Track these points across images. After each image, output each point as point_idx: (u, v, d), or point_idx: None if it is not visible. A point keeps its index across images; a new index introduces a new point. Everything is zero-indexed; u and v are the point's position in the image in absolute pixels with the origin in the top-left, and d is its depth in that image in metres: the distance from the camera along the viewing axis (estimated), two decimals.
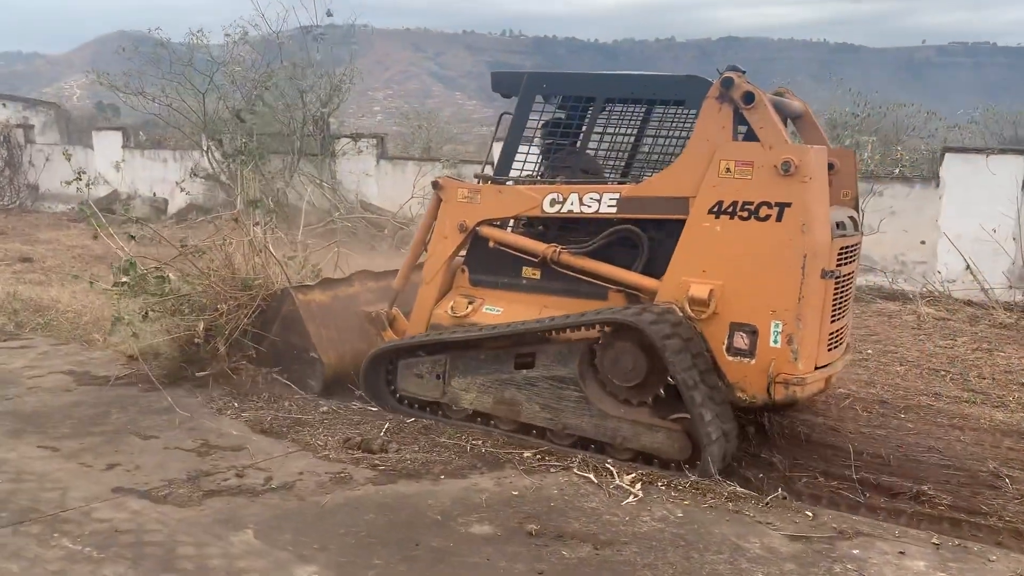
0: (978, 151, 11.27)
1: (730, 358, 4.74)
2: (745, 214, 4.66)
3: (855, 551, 3.86)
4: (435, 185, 5.77)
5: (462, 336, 5.41)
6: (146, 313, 6.15)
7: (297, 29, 16.92)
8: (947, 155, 11.23)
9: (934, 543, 3.95)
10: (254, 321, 6.16)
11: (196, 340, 6.06)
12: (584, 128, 5.56)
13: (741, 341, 4.71)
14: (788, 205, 4.56)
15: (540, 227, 5.51)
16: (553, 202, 5.28)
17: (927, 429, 5.92)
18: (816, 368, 4.80)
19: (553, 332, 5.16)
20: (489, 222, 5.56)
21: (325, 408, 5.68)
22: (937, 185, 11.16)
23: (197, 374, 6.04)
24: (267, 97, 15.97)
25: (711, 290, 4.72)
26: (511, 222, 5.61)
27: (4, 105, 22.67)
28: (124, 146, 19.40)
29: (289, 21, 16.55)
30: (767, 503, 4.33)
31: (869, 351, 8.00)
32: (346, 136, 16.18)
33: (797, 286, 4.55)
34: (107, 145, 19.62)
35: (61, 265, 11.76)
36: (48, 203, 20.35)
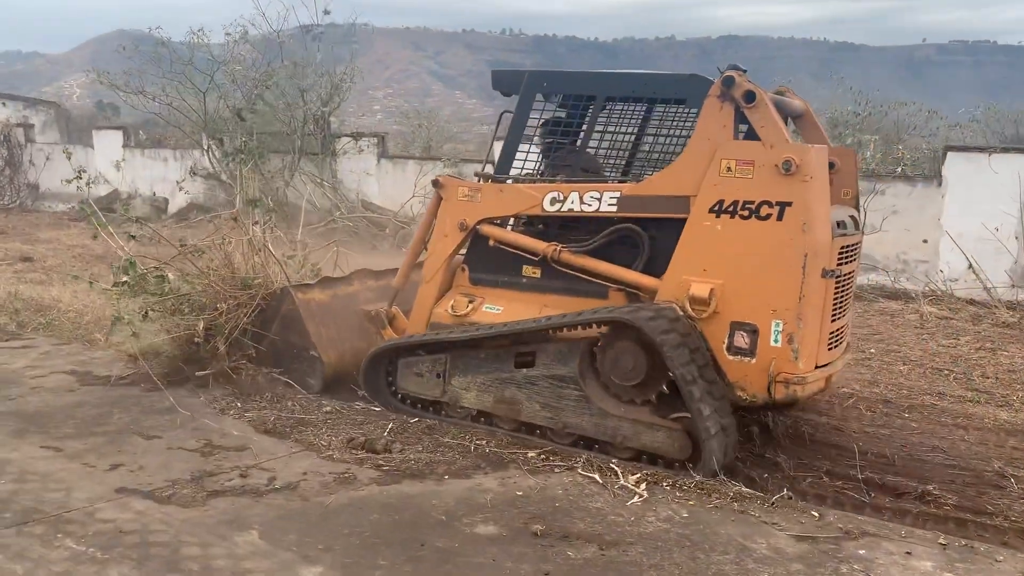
0: (980, 150, 11.25)
1: (730, 357, 4.74)
2: (746, 213, 4.66)
3: (861, 551, 3.85)
4: (435, 183, 5.76)
5: (462, 335, 5.40)
6: (146, 313, 6.15)
7: (297, 28, 16.91)
8: (949, 154, 11.21)
9: (941, 543, 3.94)
10: (254, 320, 6.15)
11: (196, 339, 6.05)
12: (585, 127, 5.55)
13: (742, 340, 4.70)
14: (789, 204, 4.55)
15: (540, 226, 5.51)
16: (554, 201, 5.27)
17: (931, 429, 5.91)
18: (816, 367, 4.80)
19: (553, 331, 5.15)
20: (489, 220, 5.56)
21: (328, 408, 5.66)
22: (939, 184, 11.14)
23: (197, 373, 6.03)
24: (268, 96, 15.96)
25: (712, 289, 4.71)
26: (511, 221, 5.61)
27: (4, 104, 22.64)
28: (125, 145, 19.37)
29: (290, 20, 16.54)
30: (772, 503, 4.32)
31: (872, 350, 7.99)
32: (347, 135, 16.17)
33: (798, 285, 4.55)
34: (107, 144, 19.60)
35: (62, 265, 11.74)
36: (48, 202, 20.33)
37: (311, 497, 4.32)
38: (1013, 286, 10.33)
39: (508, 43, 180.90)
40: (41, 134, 22.03)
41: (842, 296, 5.02)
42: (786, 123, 4.99)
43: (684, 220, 4.86)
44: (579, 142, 5.57)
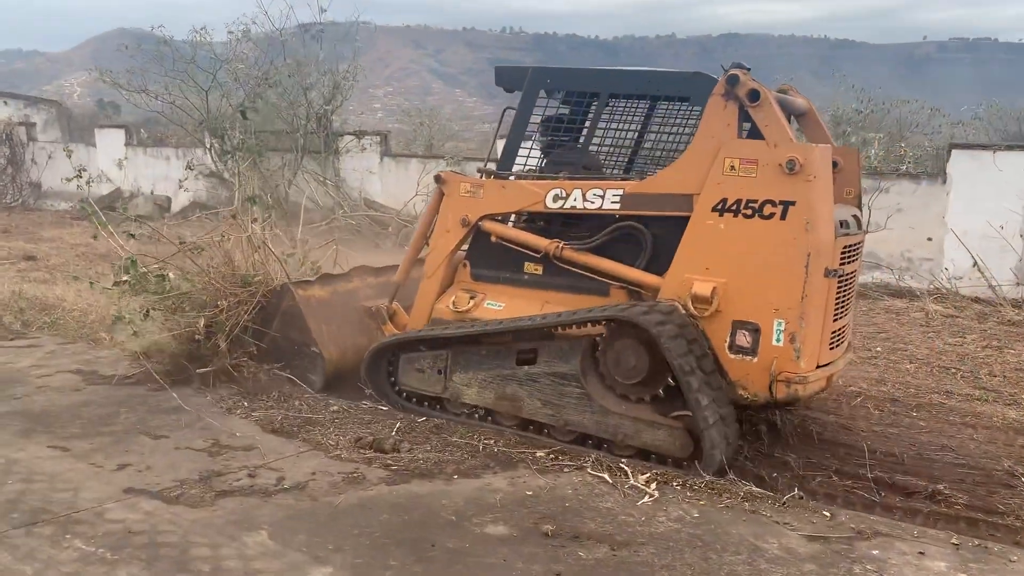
0: (985, 147, 11.23)
1: (732, 356, 4.73)
2: (749, 212, 4.65)
3: (874, 551, 3.83)
4: (438, 179, 5.76)
5: (464, 331, 5.40)
6: (147, 312, 6.13)
7: (296, 27, 16.90)
8: (954, 152, 11.19)
9: (953, 543, 3.92)
10: (254, 317, 6.15)
11: (197, 337, 6.04)
12: (588, 124, 5.53)
13: (743, 339, 4.70)
14: (792, 203, 4.55)
15: (541, 222, 5.50)
16: (556, 197, 5.27)
17: (939, 427, 5.89)
18: (818, 367, 4.79)
19: (553, 328, 5.14)
20: (491, 217, 5.55)
21: (335, 407, 5.65)
22: (944, 182, 11.12)
23: (198, 371, 6.02)
24: (270, 94, 15.94)
25: (714, 288, 4.70)
26: (512, 217, 5.59)
27: (5, 103, 22.62)
28: (127, 144, 19.37)
29: (292, 18, 16.54)
30: (784, 503, 4.30)
31: (878, 348, 7.97)
32: (350, 133, 16.15)
33: (800, 285, 4.54)
34: (110, 143, 19.59)
35: (65, 263, 11.72)
36: (51, 201, 20.31)
37: (320, 497, 4.31)
38: (1018, 284, 10.31)
39: (509, 41, 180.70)
40: (43, 133, 22.00)
41: (844, 296, 5.01)
42: (789, 121, 4.98)
43: (687, 218, 4.85)
44: (581, 139, 5.56)
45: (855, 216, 5.23)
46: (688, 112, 5.31)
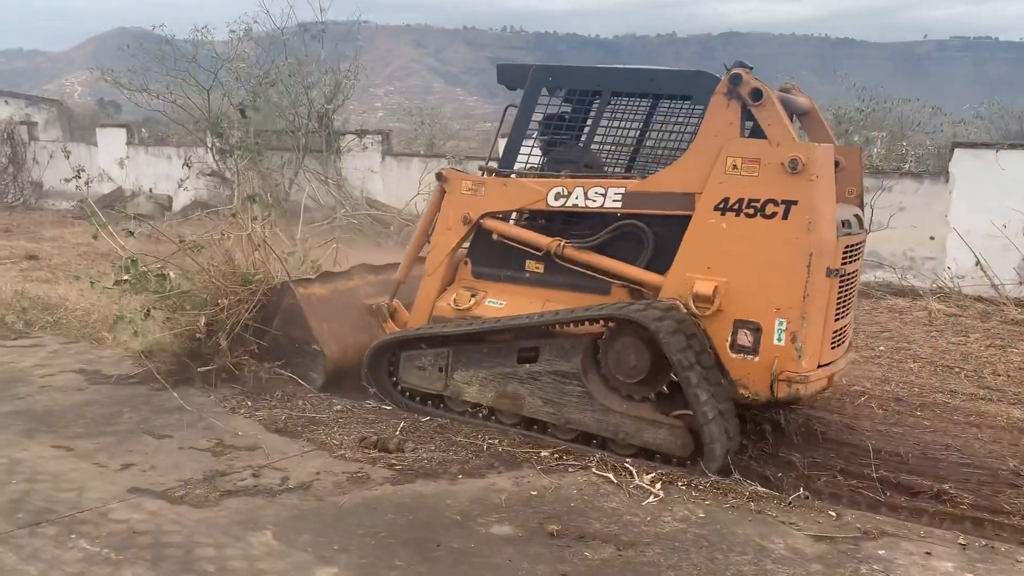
0: (988, 146, 11.22)
1: (733, 355, 4.73)
2: (751, 211, 4.65)
3: (881, 552, 3.82)
4: (439, 177, 5.76)
5: (462, 329, 5.41)
6: (148, 311, 6.13)
7: (296, 26, 16.89)
8: (956, 150, 11.18)
9: (960, 543, 3.91)
10: (255, 316, 6.15)
11: (198, 335, 6.03)
12: (590, 122, 5.52)
13: (745, 338, 4.69)
14: (794, 203, 4.54)
15: (542, 220, 5.49)
16: (558, 196, 5.26)
17: (944, 427, 5.89)
18: (819, 366, 4.79)
19: (553, 327, 5.14)
20: (493, 215, 5.54)
21: (339, 407, 5.64)
22: (946, 181, 11.12)
23: (199, 369, 6.02)
24: (272, 93, 15.93)
25: (715, 287, 4.70)
26: (513, 215, 5.59)
27: (7, 102, 22.63)
28: (128, 143, 19.37)
29: (292, 18, 16.53)
30: (789, 503, 4.29)
31: (881, 348, 7.97)
32: (351, 132, 16.14)
33: (802, 284, 4.54)
34: (111, 142, 19.58)
35: (67, 263, 11.71)
36: (52, 200, 20.32)
37: (325, 497, 4.30)
38: (1021, 283, 10.31)
39: (509, 40, 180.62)
40: (44, 132, 22.01)
41: (845, 295, 5.01)
42: (792, 121, 4.97)
43: (689, 217, 4.85)
44: (583, 137, 5.55)
45: (857, 216, 5.23)
46: (690, 111, 5.30)
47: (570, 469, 4.72)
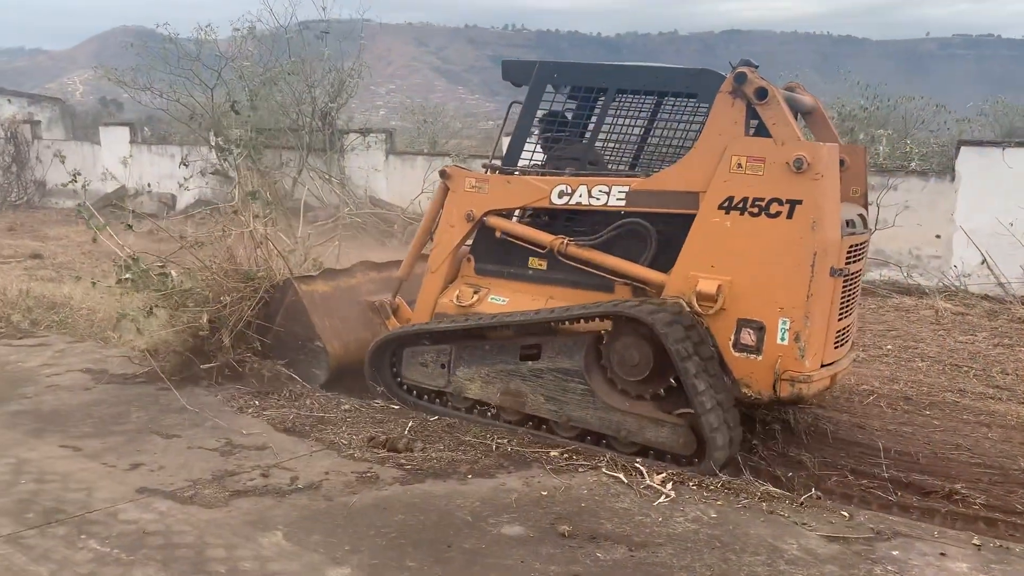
0: (994, 144, 11.19)
1: (736, 354, 4.71)
2: (755, 210, 4.63)
3: (894, 552, 3.80)
4: (443, 174, 5.75)
5: (458, 325, 5.42)
6: (150, 309, 6.12)
7: (297, 25, 16.86)
8: (963, 148, 11.14)
9: (975, 544, 3.89)
10: (258, 313, 6.14)
11: (201, 332, 6.02)
12: (595, 119, 5.50)
13: (748, 337, 4.68)
14: (799, 202, 4.52)
15: (546, 218, 5.48)
16: (561, 194, 5.25)
17: (954, 426, 5.86)
18: (822, 365, 4.77)
19: (556, 324, 5.14)
20: (496, 212, 5.53)
21: (347, 406, 5.62)
22: (952, 179, 11.08)
23: (202, 367, 6.01)
24: (275, 92, 15.90)
25: (719, 285, 4.68)
26: (516, 212, 5.57)
27: (9, 101, 22.61)
28: (132, 141, 19.34)
29: (297, 16, 16.52)
30: (801, 503, 4.27)
31: (889, 346, 7.94)
32: (355, 131, 16.12)
33: (806, 283, 4.52)
34: (114, 140, 19.56)
35: (71, 261, 11.73)
36: (55, 199, 20.30)
37: (335, 497, 4.28)
38: None
39: (511, 38, 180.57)
40: (47, 131, 21.99)
41: (849, 295, 5.00)
42: (796, 119, 4.95)
43: (693, 216, 4.83)
44: (587, 135, 5.54)
45: (861, 215, 5.22)
46: (695, 109, 5.28)
47: (580, 469, 4.70)
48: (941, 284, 10.54)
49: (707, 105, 4.90)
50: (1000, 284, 10.25)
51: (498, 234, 5.53)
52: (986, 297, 10.09)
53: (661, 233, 5.01)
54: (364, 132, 16.00)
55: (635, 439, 4.88)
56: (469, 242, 5.74)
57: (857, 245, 4.96)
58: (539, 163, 5.62)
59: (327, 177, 15.45)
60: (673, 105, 5.52)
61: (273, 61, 16.19)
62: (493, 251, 5.61)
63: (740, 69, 4.71)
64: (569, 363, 5.06)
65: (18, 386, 6.01)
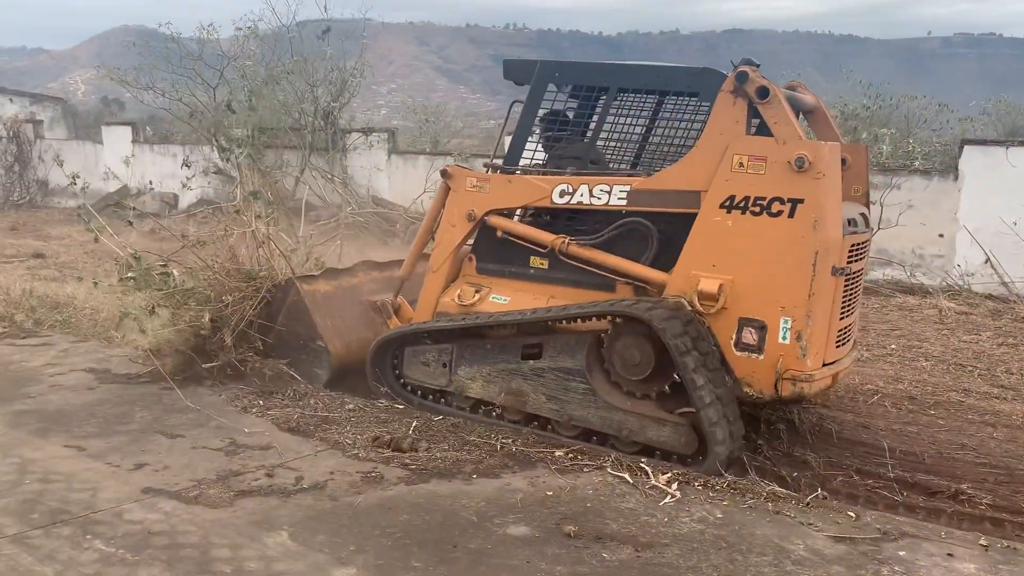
0: (998, 143, 11.17)
1: (738, 353, 4.71)
2: (757, 209, 4.63)
3: (901, 553, 3.79)
4: (444, 174, 5.75)
5: (457, 324, 5.42)
6: (152, 308, 6.11)
7: (297, 24, 16.84)
8: (966, 147, 11.13)
9: (982, 544, 3.88)
10: (260, 312, 6.14)
11: (203, 331, 6.02)
12: (596, 118, 5.50)
13: (749, 336, 4.67)
14: (801, 201, 4.52)
15: (547, 217, 5.47)
16: (563, 193, 5.25)
17: (959, 426, 5.85)
18: (824, 365, 4.77)
19: (557, 322, 5.13)
20: (498, 211, 5.53)
21: (351, 406, 5.61)
22: (955, 178, 11.06)
23: (204, 366, 6.00)
24: (277, 91, 15.90)
25: (721, 284, 4.68)
26: (517, 211, 5.57)
27: (11, 100, 22.60)
28: (134, 141, 19.34)
29: (299, 15, 16.52)
30: (807, 503, 4.26)
31: (892, 346, 7.93)
32: (357, 130, 16.11)
33: (807, 283, 4.52)
34: (116, 140, 19.57)
35: (74, 261, 11.72)
36: (58, 198, 20.30)
37: (340, 497, 4.28)
38: None
39: (512, 38, 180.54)
40: (49, 130, 21.98)
41: (851, 294, 4.99)
42: (798, 118, 4.94)
43: (694, 215, 4.83)
44: (588, 134, 5.53)
45: (863, 214, 5.21)
46: (696, 108, 5.27)
47: (585, 469, 4.69)
48: (945, 283, 10.53)
49: (709, 104, 4.90)
50: (1004, 283, 10.24)
51: (499, 233, 5.53)
52: (990, 296, 10.08)
53: (662, 232, 5.00)
54: (366, 131, 15.99)
55: (637, 438, 4.87)
56: (470, 241, 5.74)
57: (859, 244, 4.96)
58: (540, 162, 5.62)
59: (329, 176, 15.44)
60: (674, 104, 5.51)
61: (275, 60, 16.17)
62: (494, 250, 5.61)
63: (742, 68, 4.70)
64: (570, 362, 5.06)
65: (22, 386, 6.01)
